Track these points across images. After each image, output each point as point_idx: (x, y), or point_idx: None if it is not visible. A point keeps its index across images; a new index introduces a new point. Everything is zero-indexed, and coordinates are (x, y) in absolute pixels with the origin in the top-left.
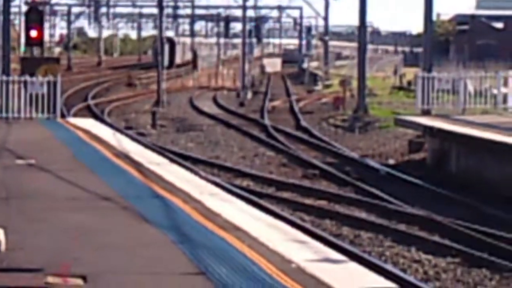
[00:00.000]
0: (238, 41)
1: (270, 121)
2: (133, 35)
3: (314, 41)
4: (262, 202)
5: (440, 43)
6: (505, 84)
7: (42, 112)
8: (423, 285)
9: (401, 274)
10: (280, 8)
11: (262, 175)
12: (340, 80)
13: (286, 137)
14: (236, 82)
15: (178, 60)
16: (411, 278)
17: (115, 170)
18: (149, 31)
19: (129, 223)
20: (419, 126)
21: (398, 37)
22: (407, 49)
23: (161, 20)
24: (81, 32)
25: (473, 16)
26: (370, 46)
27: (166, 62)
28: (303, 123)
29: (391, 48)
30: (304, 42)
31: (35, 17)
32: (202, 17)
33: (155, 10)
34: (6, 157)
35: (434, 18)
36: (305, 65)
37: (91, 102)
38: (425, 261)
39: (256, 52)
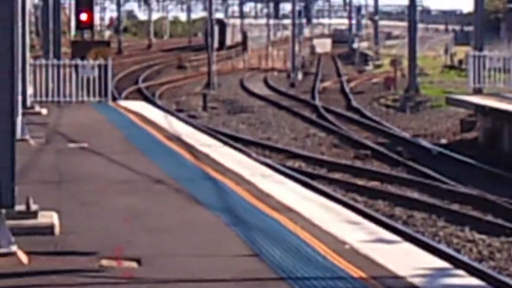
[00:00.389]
0: (288, 22)
1: (321, 102)
2: (183, 17)
3: (364, 21)
4: (314, 183)
5: (491, 21)
6: None
7: (94, 95)
8: (478, 265)
9: (455, 254)
10: None
11: (313, 156)
12: (390, 60)
13: (337, 118)
14: (286, 63)
15: (228, 41)
16: (465, 258)
17: (167, 152)
18: (198, 13)
19: (181, 205)
20: (471, 105)
21: (448, 16)
22: (457, 27)
23: (211, 2)
24: (131, 15)
25: None
26: (420, 25)
27: (216, 44)
28: (354, 103)
29: (441, 27)
30: (354, 22)
31: (85, 1)
32: None
33: None
34: (58, 141)
35: None
36: (355, 45)
37: (142, 85)
38: (479, 241)
39: (306, 32)
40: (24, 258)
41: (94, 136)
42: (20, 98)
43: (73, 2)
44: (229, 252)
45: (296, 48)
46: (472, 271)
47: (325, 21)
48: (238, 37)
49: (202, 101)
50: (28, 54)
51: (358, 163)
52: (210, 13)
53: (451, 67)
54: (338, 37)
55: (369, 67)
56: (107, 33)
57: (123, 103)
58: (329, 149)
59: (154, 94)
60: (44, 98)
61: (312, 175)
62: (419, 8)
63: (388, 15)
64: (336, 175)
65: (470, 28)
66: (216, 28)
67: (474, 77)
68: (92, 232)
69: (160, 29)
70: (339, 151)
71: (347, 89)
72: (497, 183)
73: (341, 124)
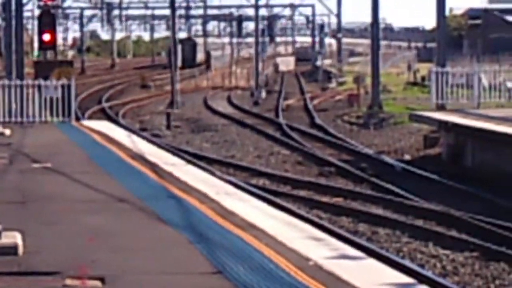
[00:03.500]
0: (251, 40)
1: (285, 120)
2: (146, 36)
3: (327, 39)
4: (278, 200)
5: (453, 38)
6: None
7: (57, 115)
8: (442, 280)
9: (419, 269)
10: (292, 6)
11: (278, 173)
12: (354, 77)
13: (301, 135)
14: (250, 82)
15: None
16: (429, 273)
17: (131, 171)
18: (161, 32)
19: (145, 224)
20: (434, 121)
21: (411, 33)
22: (420, 44)
23: (174, 21)
24: (94, 35)
25: (486, 10)
26: (383, 42)
27: (179, 62)
28: (318, 120)
29: (404, 43)
30: (317, 39)
31: (47, 21)
32: (214, 17)
33: (167, 12)
34: (22, 161)
35: (447, 12)
36: (318, 63)
37: (105, 104)
38: (443, 256)
39: (269, 51)
40: None
41: (58, 156)
42: None
43: (35, 23)
44: (194, 269)
45: (260, 66)
46: (436, 287)
47: (288, 39)
48: (202, 56)
49: (166, 120)
50: None
51: (322, 180)
52: (173, 32)
53: (414, 83)
54: (301, 55)
55: (333, 85)
56: (70, 53)
57: (87, 123)
58: (293, 167)
59: (118, 114)
60: (7, 119)
61: (276, 192)
62: (382, 25)
63: (351, 33)
64: (301, 192)
65: (433, 45)
66: (179, 47)
67: (437, 94)
68: (56, 252)
69: (123, 48)
70: (303, 169)
71: (310, 107)
72: (460, 199)
73: (305, 142)
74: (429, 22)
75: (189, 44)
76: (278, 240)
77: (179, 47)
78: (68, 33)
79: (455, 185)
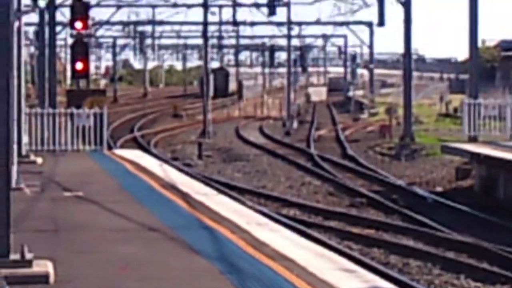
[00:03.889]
0: (283, 70)
1: (316, 150)
2: (178, 66)
3: (359, 70)
4: (309, 231)
5: (486, 70)
6: None
7: (89, 144)
8: None
9: None
10: (324, 37)
11: (309, 204)
12: (386, 108)
13: (333, 166)
14: (281, 112)
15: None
16: None
17: (162, 201)
18: (194, 61)
19: (177, 253)
20: (466, 153)
21: (443, 64)
22: (452, 76)
23: (206, 50)
24: (126, 64)
25: None
26: (415, 73)
27: (211, 92)
28: (350, 151)
29: (436, 75)
30: (349, 70)
31: (80, 50)
32: (246, 47)
33: (200, 41)
34: (54, 190)
35: (480, 44)
36: (350, 93)
37: (137, 133)
38: None
39: (301, 80)
40: None
41: (89, 184)
42: (15, 147)
43: (68, 51)
44: None
45: (292, 96)
46: None
47: (320, 69)
48: (234, 86)
49: (198, 150)
50: (23, 103)
51: (353, 211)
52: (206, 62)
53: (446, 115)
54: (333, 85)
55: (365, 115)
56: (103, 82)
57: (118, 151)
58: (325, 197)
59: (150, 143)
60: (39, 147)
61: (308, 223)
62: (414, 57)
63: (383, 63)
64: (331, 223)
65: (465, 76)
66: (216, 77)
67: (469, 125)
68: (87, 281)
69: (155, 77)
70: (335, 199)
71: (342, 137)
72: (492, 231)
73: (336, 172)
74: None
75: (222, 74)
76: (309, 271)
77: (211, 77)
78: (101, 62)
79: (486, 217)
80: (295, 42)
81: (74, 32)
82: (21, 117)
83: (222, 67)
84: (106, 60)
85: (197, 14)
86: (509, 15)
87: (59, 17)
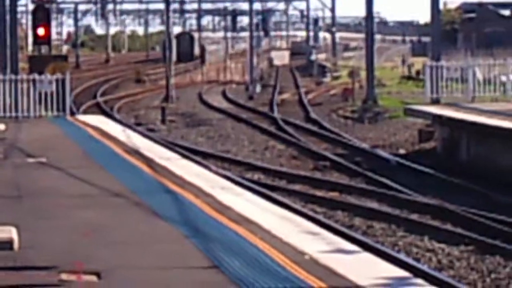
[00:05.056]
0: (245, 35)
1: (280, 114)
2: (140, 31)
3: (321, 33)
4: (273, 194)
5: (448, 32)
6: None
7: (52, 110)
8: (437, 274)
9: (415, 263)
10: (286, 0)
11: (273, 168)
12: (348, 71)
13: (296, 130)
14: (244, 76)
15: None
16: (424, 267)
17: (126, 166)
18: (156, 27)
19: (141, 218)
20: (429, 115)
21: (405, 27)
22: (414, 38)
23: (168, 15)
24: (88, 29)
25: (480, 4)
26: (377, 37)
27: (174, 56)
28: (313, 115)
29: (398, 38)
30: (311, 34)
31: (42, 16)
32: (209, 12)
33: (162, 6)
34: (17, 156)
35: (441, 6)
36: (313, 57)
37: (100, 99)
38: (439, 250)
39: (264, 45)
40: None
41: (53, 150)
42: None
43: (30, 17)
44: (189, 264)
45: (254, 60)
46: (432, 280)
47: (283, 33)
48: (196, 50)
49: (161, 115)
50: None
51: (317, 174)
52: (168, 27)
53: (409, 77)
54: (296, 49)
55: (327, 79)
56: (65, 48)
57: (82, 117)
58: (288, 161)
59: (113, 108)
60: (1, 114)
61: (272, 187)
62: (376, 20)
63: (346, 27)
64: (296, 187)
65: (427, 39)
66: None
67: (432, 88)
68: (51, 247)
69: (118, 43)
70: (298, 163)
71: (305, 101)
72: (455, 193)
73: (300, 136)
74: (423, 16)
75: (187, 39)
76: (273, 234)
77: (175, 42)
78: (62, 28)
79: (449, 179)
80: (257, 6)
81: None
82: None
83: (187, 32)
84: (68, 26)
85: None
86: None
87: None
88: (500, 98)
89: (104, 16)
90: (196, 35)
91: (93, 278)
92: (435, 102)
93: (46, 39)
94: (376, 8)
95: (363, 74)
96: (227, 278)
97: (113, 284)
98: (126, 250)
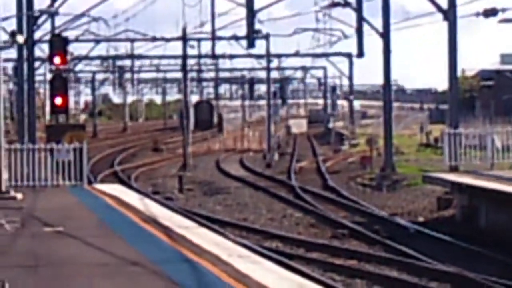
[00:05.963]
0: (263, 103)
1: (298, 182)
2: (158, 99)
3: (339, 101)
4: (292, 263)
5: (466, 99)
6: None
7: (69, 179)
8: None
9: None
10: (304, 69)
11: (291, 236)
12: (366, 139)
13: (314, 198)
14: (262, 144)
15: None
16: None
17: (144, 235)
18: (173, 95)
19: (159, 287)
20: (447, 182)
21: (423, 94)
22: (432, 106)
23: (186, 84)
24: (106, 98)
25: (497, 71)
26: (395, 104)
27: (191, 125)
28: (331, 183)
29: (416, 105)
30: (329, 102)
31: (59, 85)
32: (226, 80)
33: (179, 74)
34: (34, 225)
35: (459, 74)
36: (330, 125)
37: (117, 168)
38: None
39: (281, 113)
40: None
41: (70, 219)
42: None
43: (47, 87)
44: None
45: (272, 128)
46: None
47: (301, 101)
48: (215, 119)
49: (178, 183)
50: (2, 139)
51: (336, 242)
52: (185, 95)
53: (427, 145)
54: (313, 117)
55: (345, 147)
56: (82, 117)
57: (99, 186)
58: (307, 229)
59: (130, 177)
60: (19, 183)
61: (290, 255)
62: (394, 87)
63: (363, 94)
64: (314, 255)
65: (445, 106)
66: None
67: (450, 155)
68: None
69: (135, 112)
70: (317, 231)
71: (323, 169)
72: (474, 260)
73: (318, 204)
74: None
75: (206, 107)
76: None
77: (193, 110)
78: (80, 97)
79: (469, 246)
80: (274, 74)
81: (53, 67)
82: (1, 153)
83: (206, 100)
84: (86, 95)
85: (176, 48)
86: (487, 45)
87: (37, 52)
88: None
89: (121, 85)
90: (213, 103)
91: None
92: (454, 169)
93: (64, 108)
94: (393, 75)
95: (381, 142)
96: None
97: None
98: None
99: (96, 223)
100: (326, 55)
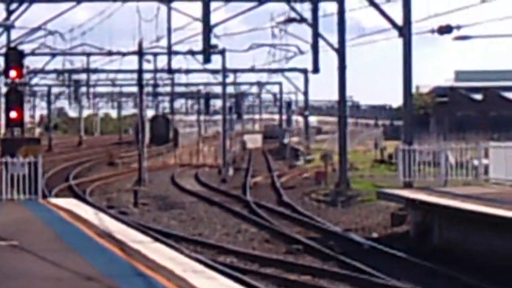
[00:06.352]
0: (218, 117)
1: (253, 197)
2: (114, 114)
3: (294, 117)
4: (246, 278)
5: (420, 116)
6: (486, 155)
7: (24, 193)
8: None
9: None
10: (259, 84)
11: (245, 251)
12: (321, 154)
13: (269, 213)
14: (217, 159)
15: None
16: None
17: (98, 249)
18: (129, 109)
19: None
20: (401, 198)
21: (378, 111)
22: (387, 122)
23: (141, 98)
24: (61, 112)
25: (452, 88)
26: (350, 120)
27: (147, 139)
28: (286, 198)
29: (371, 121)
30: (284, 117)
31: (15, 98)
32: (182, 95)
33: (135, 89)
34: None
35: (414, 90)
36: (286, 140)
37: (72, 182)
38: None
39: (237, 128)
40: None
41: (25, 233)
42: None
43: (3, 100)
44: None
45: (227, 143)
46: None
47: (256, 116)
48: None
49: (133, 198)
50: None
51: (290, 258)
52: (141, 109)
53: (381, 161)
54: (269, 133)
55: (300, 162)
56: (38, 131)
57: (54, 200)
58: (261, 244)
59: (85, 191)
60: None
61: (244, 270)
62: (349, 103)
63: (319, 110)
64: (268, 270)
65: (400, 123)
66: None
67: (404, 171)
68: None
69: (91, 126)
70: (271, 246)
71: (278, 184)
72: (428, 277)
73: (272, 219)
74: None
75: (162, 121)
76: None
77: (150, 124)
78: (35, 111)
79: (422, 263)
80: (230, 89)
81: (9, 80)
82: None
83: (162, 114)
84: (41, 109)
85: (132, 62)
86: (442, 62)
87: None
88: (472, 182)
89: (77, 99)
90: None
91: None
92: (408, 185)
93: (19, 122)
94: (349, 91)
95: (335, 157)
96: None
97: None
98: None
99: (50, 237)
100: (281, 70)
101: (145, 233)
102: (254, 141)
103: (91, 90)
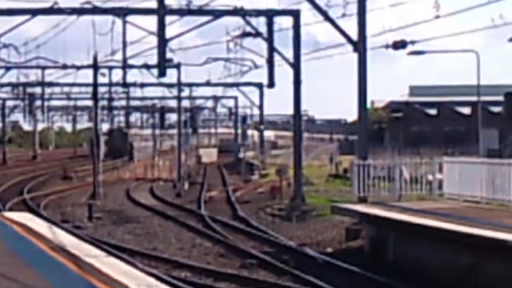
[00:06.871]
0: (174, 131)
1: (207, 212)
2: (68, 127)
3: (249, 131)
4: None
5: (375, 131)
6: (440, 170)
7: None
8: None
9: None
10: (215, 98)
11: (200, 265)
12: (276, 169)
13: (224, 227)
14: (172, 173)
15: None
16: None
17: (52, 263)
18: (84, 123)
19: None
20: (356, 213)
21: (333, 125)
22: (342, 136)
23: (96, 112)
24: (16, 125)
25: (407, 103)
26: (305, 135)
27: (102, 153)
28: (240, 212)
29: (326, 136)
30: (239, 131)
31: None
32: (137, 108)
33: (90, 102)
34: None
35: (368, 105)
36: (241, 155)
37: (26, 196)
38: None
39: (192, 142)
40: None
41: None
42: None
43: None
44: None
45: (182, 157)
46: None
47: (211, 130)
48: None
49: (88, 212)
50: None
51: (244, 272)
52: (96, 123)
53: (336, 176)
54: (224, 147)
55: (255, 177)
56: None
57: (7, 214)
58: (215, 259)
59: (39, 205)
60: None
61: (199, 284)
62: (304, 118)
63: (274, 125)
64: (222, 285)
65: (355, 137)
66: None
67: (359, 186)
68: None
69: (45, 139)
70: (225, 261)
71: (233, 199)
72: None
73: (227, 234)
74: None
75: (119, 135)
76: None
77: (108, 138)
78: None
79: (376, 277)
80: (185, 103)
81: None
82: None
83: (119, 128)
84: None
85: (87, 75)
86: (397, 77)
87: None
88: (426, 197)
89: (31, 112)
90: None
91: None
92: (362, 200)
93: None
94: (304, 106)
95: (291, 172)
96: None
97: None
98: None
99: (3, 251)
100: (237, 84)
101: (99, 247)
102: (209, 155)
103: (46, 103)
